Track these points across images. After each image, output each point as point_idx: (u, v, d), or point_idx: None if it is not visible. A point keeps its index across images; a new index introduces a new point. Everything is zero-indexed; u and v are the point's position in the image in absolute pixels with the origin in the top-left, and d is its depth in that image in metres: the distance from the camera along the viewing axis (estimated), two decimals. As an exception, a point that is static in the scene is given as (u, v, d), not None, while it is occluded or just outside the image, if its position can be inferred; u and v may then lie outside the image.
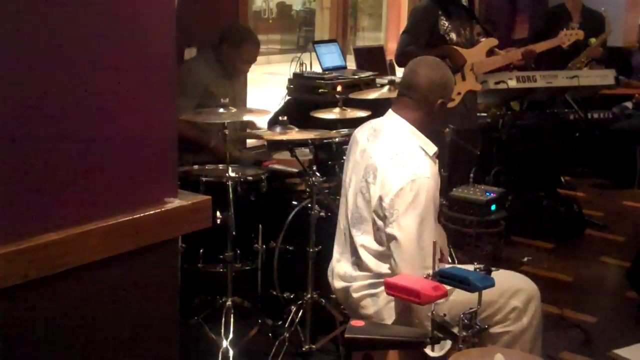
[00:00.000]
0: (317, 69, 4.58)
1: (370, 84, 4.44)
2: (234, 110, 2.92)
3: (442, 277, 1.79)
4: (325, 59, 4.62)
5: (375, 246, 2.38)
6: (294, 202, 3.23)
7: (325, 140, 3.24)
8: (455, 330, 1.70)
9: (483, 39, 4.27)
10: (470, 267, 1.86)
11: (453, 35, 4.02)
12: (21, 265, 1.48)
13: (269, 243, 3.12)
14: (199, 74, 3.52)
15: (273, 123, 3.40)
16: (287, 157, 3.16)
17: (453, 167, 3.64)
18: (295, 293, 3.13)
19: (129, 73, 1.66)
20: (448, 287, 1.78)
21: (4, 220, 1.47)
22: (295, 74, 4.35)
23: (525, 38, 5.94)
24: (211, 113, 2.95)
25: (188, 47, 3.83)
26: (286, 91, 4.33)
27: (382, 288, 2.05)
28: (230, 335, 2.85)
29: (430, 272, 1.81)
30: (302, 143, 3.12)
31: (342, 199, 2.57)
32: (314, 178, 2.91)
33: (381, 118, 2.53)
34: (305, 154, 3.25)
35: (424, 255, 2.21)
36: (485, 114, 4.75)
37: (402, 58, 3.88)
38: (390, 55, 5.42)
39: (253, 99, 4.46)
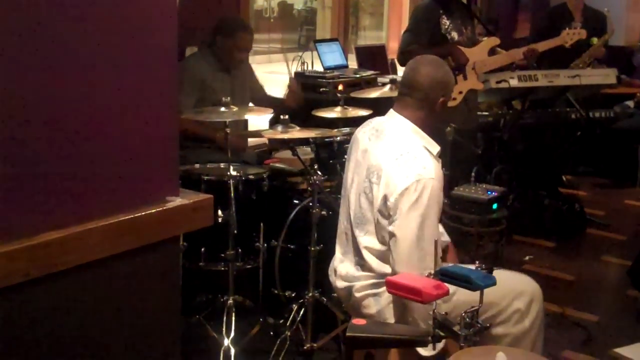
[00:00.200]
0: (318, 67, 4.58)
1: (371, 83, 4.45)
2: (235, 109, 2.91)
3: (443, 275, 1.78)
4: (326, 57, 4.62)
5: (378, 246, 2.38)
6: (296, 201, 3.24)
7: (326, 139, 3.25)
8: (457, 328, 1.70)
9: (485, 38, 4.27)
10: (472, 266, 1.86)
11: (454, 34, 4.02)
12: (22, 264, 1.48)
13: (270, 242, 3.12)
14: (195, 69, 3.52)
15: (274, 122, 3.40)
16: (289, 155, 3.15)
17: (454, 166, 3.64)
18: (297, 291, 3.14)
19: (130, 72, 1.66)
20: (451, 287, 1.78)
21: (5, 218, 1.47)
22: (296, 73, 4.35)
23: (527, 37, 5.95)
24: (212, 112, 2.95)
25: (189, 46, 3.84)
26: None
27: (385, 288, 2.05)
28: (232, 334, 2.85)
29: (432, 270, 1.81)
30: (304, 142, 3.12)
31: (343, 199, 2.57)
32: (315, 177, 2.91)
33: (383, 118, 2.52)
34: (306, 152, 3.26)
35: (423, 255, 2.21)
36: (486, 113, 4.75)
37: (404, 57, 3.88)
38: (391, 54, 5.43)
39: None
